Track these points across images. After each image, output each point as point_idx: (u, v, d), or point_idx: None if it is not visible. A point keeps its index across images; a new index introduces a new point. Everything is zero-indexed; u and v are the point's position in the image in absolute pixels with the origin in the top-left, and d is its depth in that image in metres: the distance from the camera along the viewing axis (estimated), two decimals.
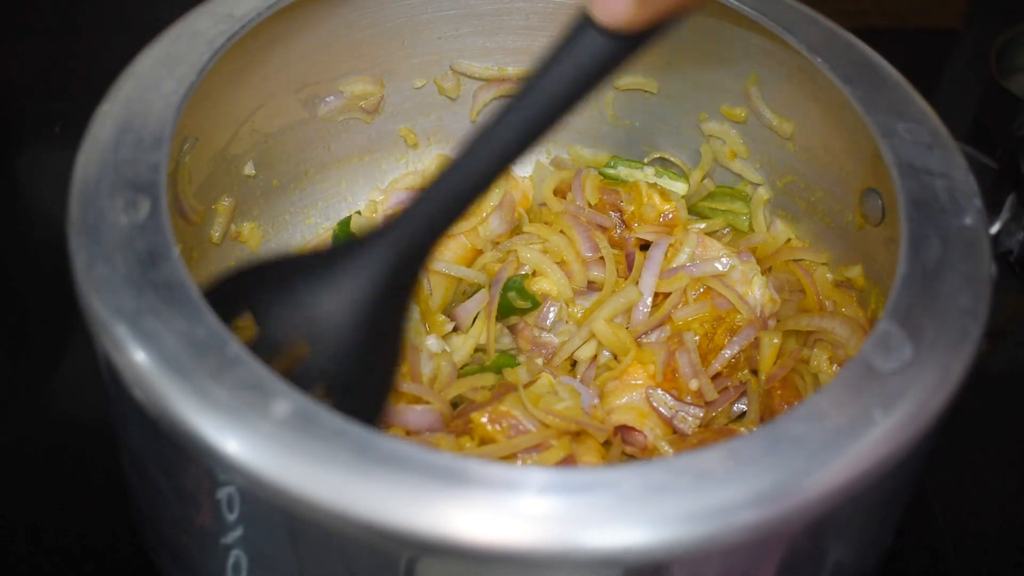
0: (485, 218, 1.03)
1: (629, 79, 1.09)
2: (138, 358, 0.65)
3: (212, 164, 0.96)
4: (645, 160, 1.13)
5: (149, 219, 0.73)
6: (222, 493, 0.66)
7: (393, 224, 0.75)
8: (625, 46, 0.68)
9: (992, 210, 0.82)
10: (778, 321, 0.98)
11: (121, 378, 0.66)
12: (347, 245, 0.77)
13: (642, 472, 0.63)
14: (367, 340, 0.77)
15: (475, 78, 1.11)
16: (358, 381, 0.78)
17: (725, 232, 1.08)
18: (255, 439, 0.62)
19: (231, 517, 0.68)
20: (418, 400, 0.90)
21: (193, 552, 0.77)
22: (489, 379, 0.94)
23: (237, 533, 0.69)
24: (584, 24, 0.68)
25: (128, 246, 0.71)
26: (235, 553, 0.71)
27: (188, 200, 0.92)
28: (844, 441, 0.65)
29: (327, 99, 1.05)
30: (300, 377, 0.73)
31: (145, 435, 0.70)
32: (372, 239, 0.76)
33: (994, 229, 0.82)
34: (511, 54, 1.09)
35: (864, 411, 0.66)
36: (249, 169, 1.01)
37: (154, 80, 0.82)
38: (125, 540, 0.91)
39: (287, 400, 0.64)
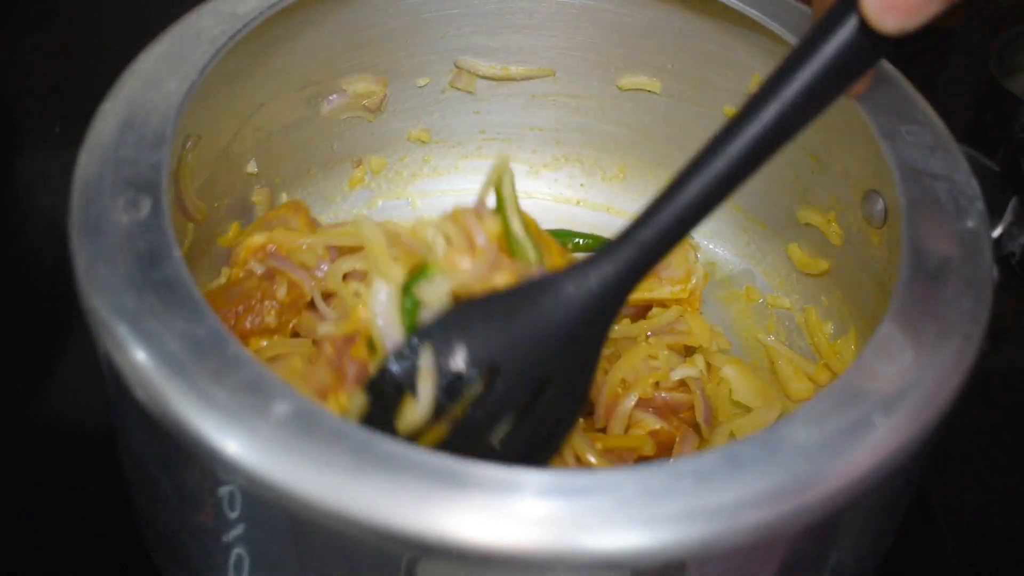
0: None
1: (632, 79, 1.09)
2: (139, 358, 0.65)
3: (214, 162, 0.96)
4: None
5: (150, 218, 0.73)
6: (223, 491, 0.66)
7: (610, 248, 0.74)
8: (883, 48, 0.67)
9: (994, 213, 0.82)
10: None
11: (122, 378, 0.66)
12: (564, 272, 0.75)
13: (642, 475, 0.63)
14: (562, 368, 0.75)
15: (480, 76, 1.11)
16: (545, 415, 0.76)
17: None
18: (255, 440, 0.62)
19: (232, 515, 0.68)
20: None
21: (194, 551, 0.77)
22: None
23: (238, 531, 0.69)
24: (844, 21, 0.67)
25: (129, 245, 0.71)
26: (236, 551, 0.71)
27: (190, 198, 0.92)
28: (844, 445, 0.65)
29: (330, 97, 1.05)
30: (479, 415, 0.73)
31: (145, 435, 0.70)
32: (587, 262, 0.74)
33: (996, 232, 0.82)
34: (514, 53, 1.09)
35: (864, 415, 0.66)
36: (251, 167, 1.01)
37: (156, 78, 0.82)
38: (126, 539, 0.91)
39: (286, 401, 0.64)
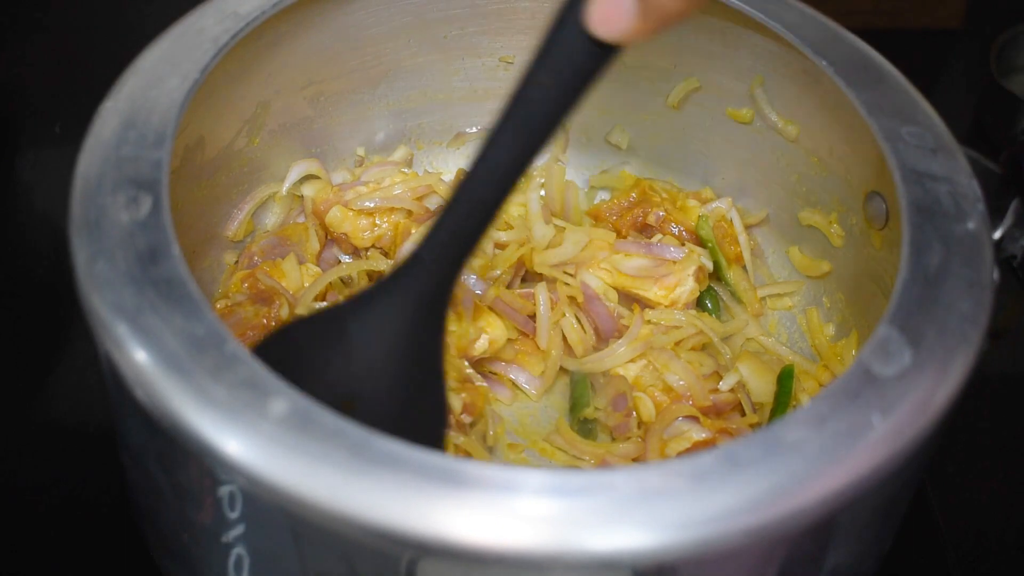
0: None
1: None
2: (138, 356, 0.66)
3: (217, 161, 0.96)
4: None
5: (150, 216, 0.73)
6: (223, 491, 0.66)
7: (418, 255, 0.76)
8: (612, 53, 0.68)
9: (995, 215, 0.82)
10: None
11: (121, 376, 0.66)
12: (377, 285, 0.79)
13: (639, 475, 0.63)
14: (409, 369, 0.79)
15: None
16: (411, 409, 0.79)
17: None
18: (252, 438, 0.62)
19: (232, 515, 0.68)
20: None
21: (194, 551, 0.77)
22: None
23: (238, 531, 0.69)
24: (571, 31, 0.67)
25: (129, 243, 0.71)
26: (236, 551, 0.71)
27: None
28: (842, 446, 0.65)
29: (332, 97, 1.05)
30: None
31: (145, 433, 0.70)
32: (402, 270, 0.77)
33: (997, 234, 0.82)
34: (518, 54, 1.09)
35: (862, 416, 0.66)
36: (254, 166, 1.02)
37: (158, 77, 0.82)
38: (126, 539, 0.91)
39: (284, 398, 0.64)
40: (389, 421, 0.73)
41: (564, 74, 0.69)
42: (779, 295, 1.07)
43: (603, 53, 0.67)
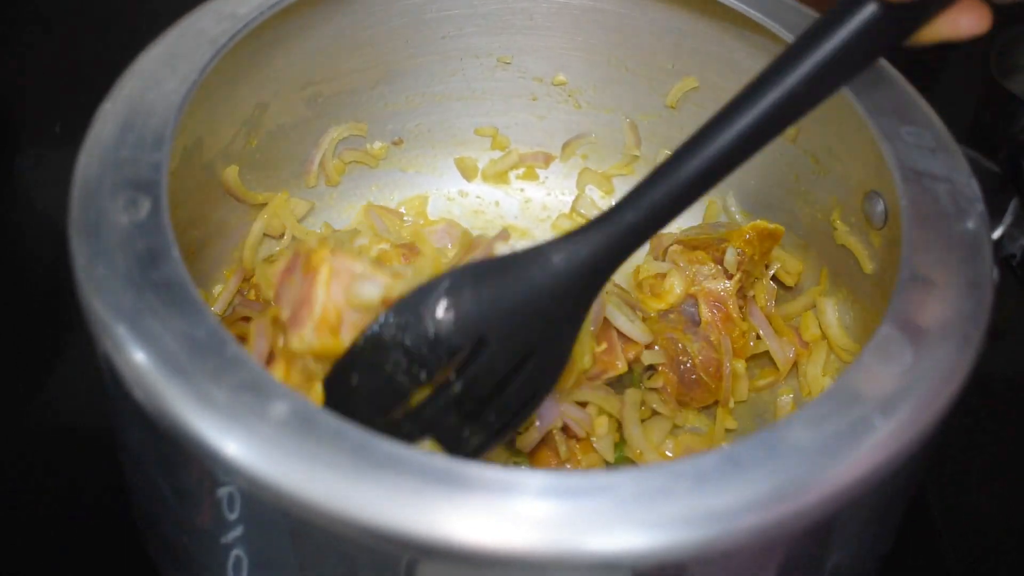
0: None
1: None
2: (138, 358, 0.65)
3: (215, 162, 0.96)
4: None
5: (150, 218, 0.73)
6: (222, 493, 0.66)
7: (601, 223, 0.74)
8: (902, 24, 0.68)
9: (995, 214, 0.82)
10: None
11: (121, 378, 0.66)
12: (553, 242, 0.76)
13: (641, 476, 0.63)
14: (545, 340, 0.77)
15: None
16: (522, 387, 0.77)
17: None
18: (253, 440, 0.62)
19: (231, 517, 0.68)
20: None
21: (193, 552, 0.77)
22: None
23: (237, 533, 0.69)
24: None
25: (128, 245, 0.71)
26: (235, 553, 0.71)
27: None
28: (843, 446, 0.65)
29: (331, 98, 1.05)
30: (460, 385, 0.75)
31: (144, 435, 0.70)
32: (578, 236, 0.75)
33: (996, 234, 0.82)
34: (515, 54, 1.09)
35: (864, 416, 0.66)
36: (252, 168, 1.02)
37: (156, 79, 0.82)
38: (125, 539, 0.91)
39: (285, 401, 0.64)
40: (491, 377, 0.75)
41: (836, 45, 0.68)
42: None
43: (889, 21, 0.68)
